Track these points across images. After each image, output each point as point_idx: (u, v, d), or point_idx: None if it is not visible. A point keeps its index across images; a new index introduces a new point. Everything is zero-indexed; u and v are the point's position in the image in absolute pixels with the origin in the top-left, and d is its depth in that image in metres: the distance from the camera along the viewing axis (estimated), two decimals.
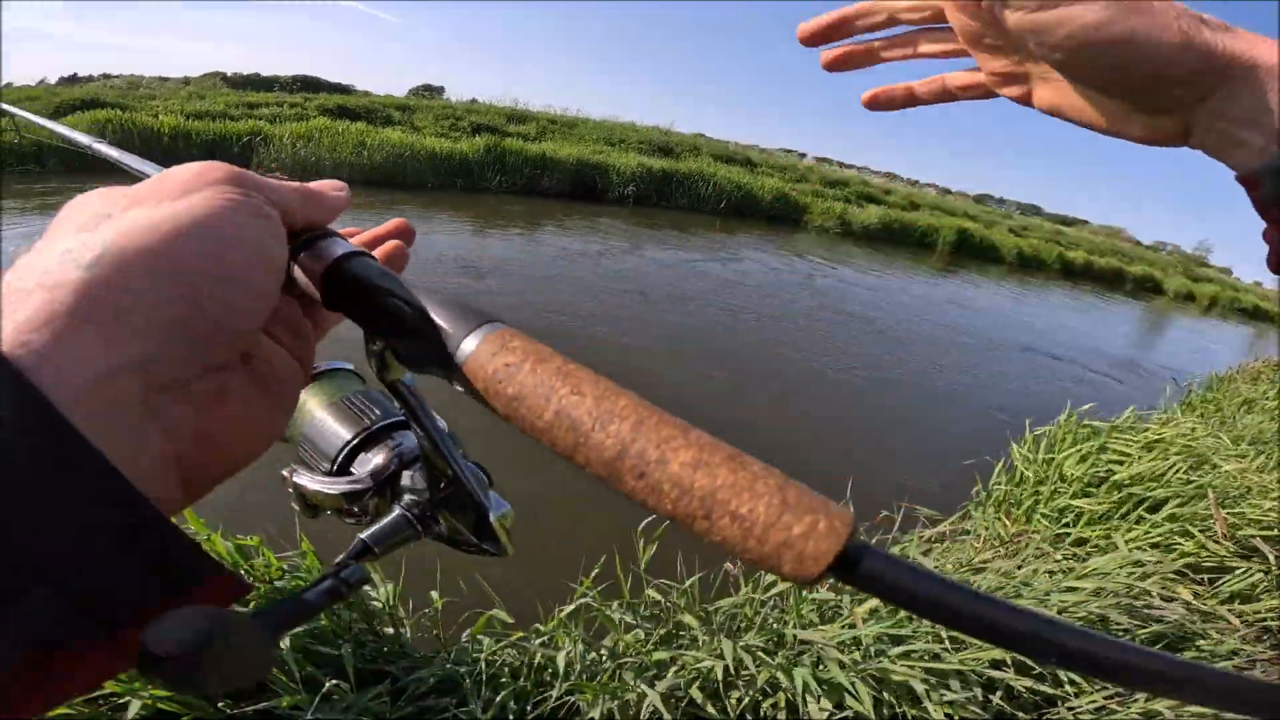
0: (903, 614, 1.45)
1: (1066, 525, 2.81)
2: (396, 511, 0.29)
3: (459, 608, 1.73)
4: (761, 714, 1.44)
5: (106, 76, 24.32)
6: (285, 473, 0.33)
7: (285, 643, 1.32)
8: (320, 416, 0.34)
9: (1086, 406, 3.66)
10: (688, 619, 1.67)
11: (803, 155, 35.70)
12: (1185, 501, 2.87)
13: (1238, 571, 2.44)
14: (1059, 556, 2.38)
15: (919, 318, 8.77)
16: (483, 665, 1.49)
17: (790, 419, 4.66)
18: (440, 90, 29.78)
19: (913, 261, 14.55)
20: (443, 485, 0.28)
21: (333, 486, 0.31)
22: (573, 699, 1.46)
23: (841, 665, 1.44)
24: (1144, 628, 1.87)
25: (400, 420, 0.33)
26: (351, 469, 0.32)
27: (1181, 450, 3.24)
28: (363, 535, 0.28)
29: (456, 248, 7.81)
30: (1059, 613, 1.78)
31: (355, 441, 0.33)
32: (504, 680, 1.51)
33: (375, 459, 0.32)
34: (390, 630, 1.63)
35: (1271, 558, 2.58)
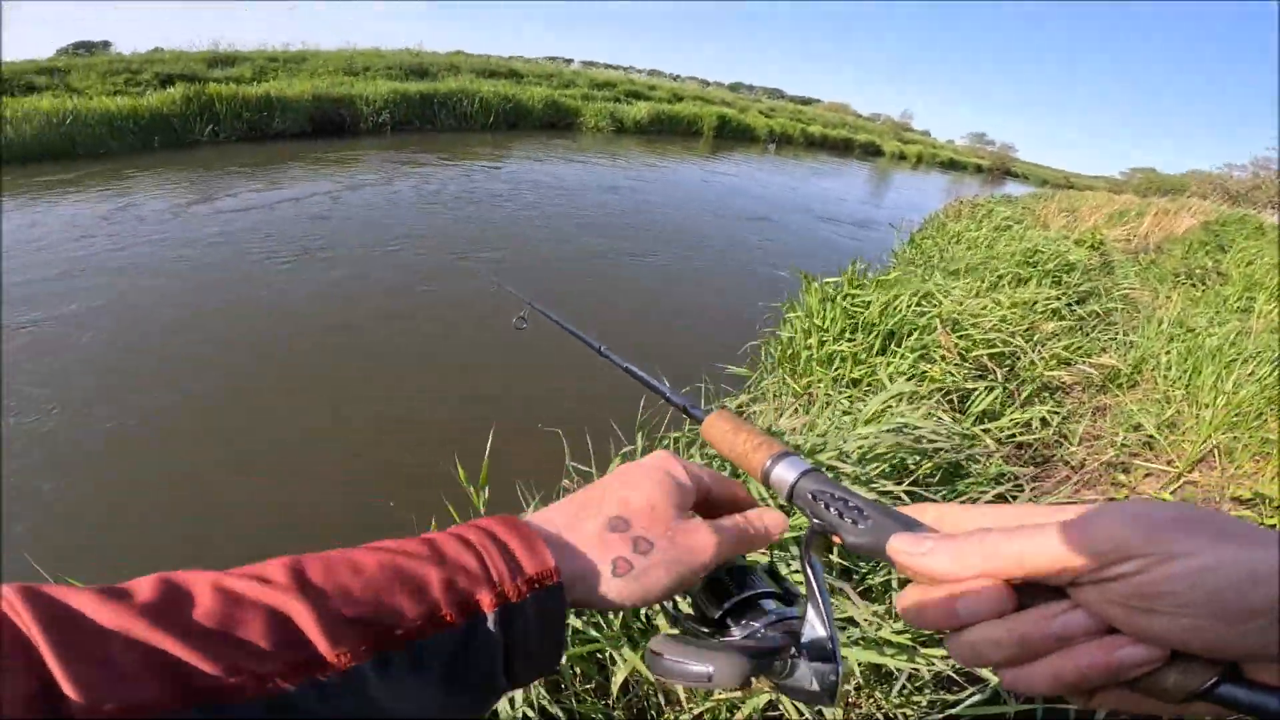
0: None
1: (839, 370, 3.07)
2: (777, 638, 0.36)
3: None
4: None
5: None
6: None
7: None
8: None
9: (856, 263, 3.92)
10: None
11: (568, 61, 34.85)
12: (920, 331, 3.21)
13: (977, 392, 2.80)
14: (844, 400, 2.65)
15: (698, 199, 9.40)
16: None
17: (598, 311, 4.79)
18: (104, 45, 23.23)
19: (684, 149, 15.37)
20: (803, 642, 0.36)
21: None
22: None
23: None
24: (931, 459, 2.12)
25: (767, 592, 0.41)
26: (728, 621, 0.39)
27: (910, 288, 3.63)
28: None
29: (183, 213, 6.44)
30: (863, 459, 1.97)
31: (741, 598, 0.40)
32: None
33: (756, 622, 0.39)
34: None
35: (999, 375, 3.04)
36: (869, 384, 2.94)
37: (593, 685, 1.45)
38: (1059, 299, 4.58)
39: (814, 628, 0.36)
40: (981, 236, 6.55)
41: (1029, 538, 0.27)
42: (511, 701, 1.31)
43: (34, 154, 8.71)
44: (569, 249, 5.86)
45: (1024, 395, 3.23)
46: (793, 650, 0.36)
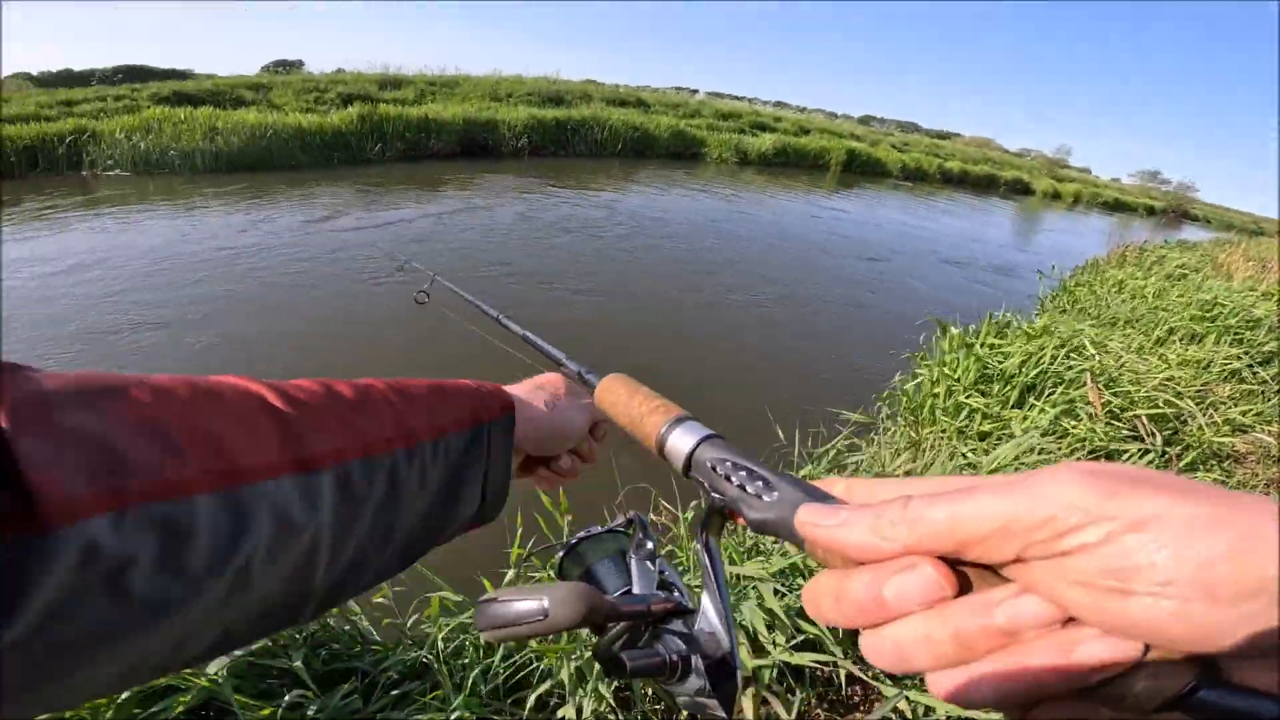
0: None
1: (966, 421, 2.88)
2: (660, 653, 0.34)
3: (407, 595, 1.70)
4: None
5: None
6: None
7: (219, 672, 1.27)
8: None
9: (989, 312, 3.79)
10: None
11: (694, 91, 35.50)
12: (1067, 385, 2.95)
13: (1128, 455, 2.54)
14: (966, 451, 2.49)
15: (813, 235, 9.13)
16: (440, 645, 1.49)
17: (723, 352, 4.77)
18: (299, 64, 27.02)
19: (809, 183, 15.04)
20: (698, 639, 0.34)
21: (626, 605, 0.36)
22: (539, 664, 1.49)
23: (779, 594, 1.47)
24: None
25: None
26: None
27: (1059, 338, 3.38)
28: (625, 656, 0.33)
29: (363, 222, 7.25)
30: None
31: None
32: (468, 658, 1.52)
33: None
34: (348, 627, 1.59)
35: (1159, 439, 2.70)
36: (999, 437, 2.74)
37: (661, 706, 1.48)
38: (1239, 359, 4.01)
39: (709, 618, 0.32)
40: (1149, 286, 5.88)
41: (962, 500, 0.21)
42: (579, 711, 1.36)
43: (240, 164, 10.22)
44: (666, 282, 5.84)
45: (1184, 462, 2.86)
46: (682, 648, 0.32)
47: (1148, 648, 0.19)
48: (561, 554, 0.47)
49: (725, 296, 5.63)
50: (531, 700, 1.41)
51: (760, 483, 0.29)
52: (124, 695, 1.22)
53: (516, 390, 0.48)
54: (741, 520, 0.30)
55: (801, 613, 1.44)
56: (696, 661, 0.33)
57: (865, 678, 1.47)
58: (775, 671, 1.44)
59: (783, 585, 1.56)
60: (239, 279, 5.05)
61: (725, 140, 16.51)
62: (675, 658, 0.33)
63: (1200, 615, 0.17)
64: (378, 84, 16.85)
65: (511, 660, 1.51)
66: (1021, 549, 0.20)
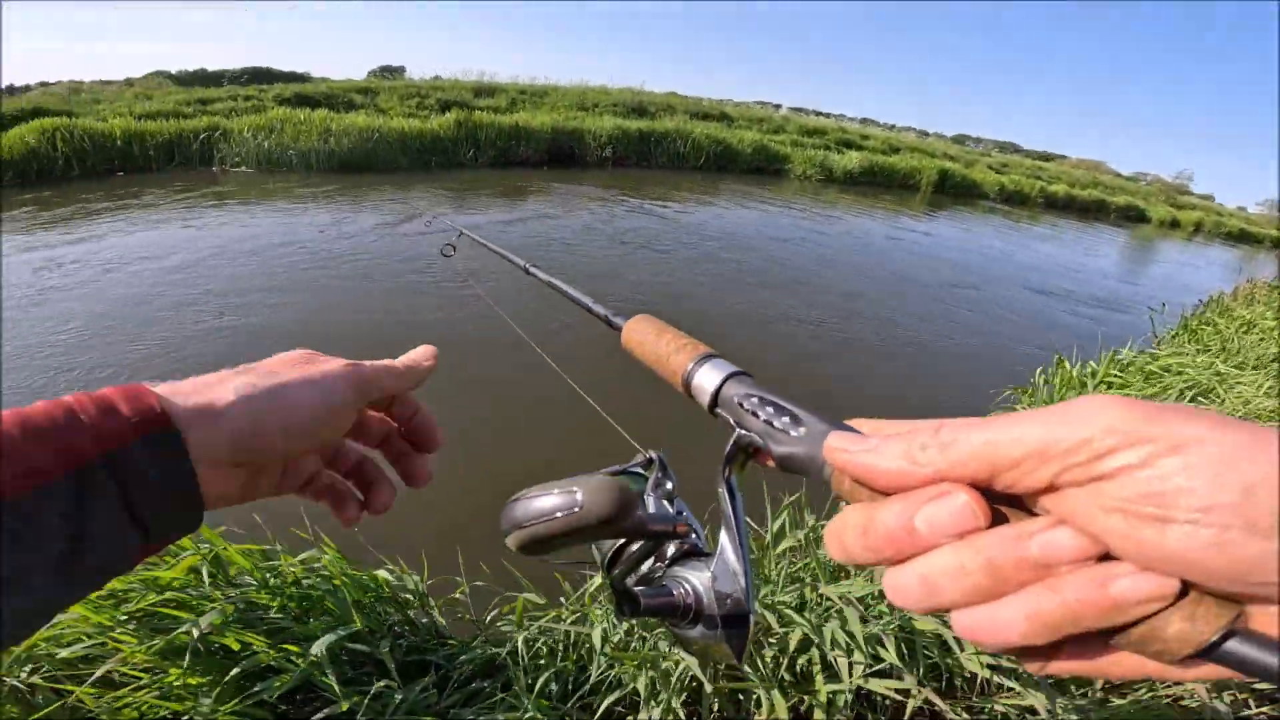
0: None
1: None
2: (675, 593, 0.33)
3: (486, 593, 1.71)
4: (797, 670, 1.45)
5: (44, 84, 23.19)
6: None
7: (321, 650, 1.30)
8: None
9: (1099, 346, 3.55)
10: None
11: (777, 106, 34.99)
12: None
13: None
14: None
15: (894, 258, 8.70)
16: (521, 646, 1.48)
17: (811, 372, 4.60)
18: (401, 70, 28.74)
19: (897, 203, 14.44)
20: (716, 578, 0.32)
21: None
22: (613, 673, 1.45)
23: (864, 620, 1.43)
24: None
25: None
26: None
27: (1184, 378, 3.13)
28: (640, 593, 0.33)
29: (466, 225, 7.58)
30: None
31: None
32: (544, 660, 1.51)
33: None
34: (425, 620, 1.61)
35: None
36: None
37: None
38: None
39: (727, 556, 0.31)
40: None
41: (997, 425, 0.21)
42: None
43: (350, 165, 10.93)
44: (725, 300, 5.64)
45: None
46: (698, 589, 0.32)
47: (1185, 588, 0.18)
48: None
49: (789, 321, 5.40)
50: (602, 708, 1.39)
51: (788, 418, 0.29)
52: (228, 675, 1.25)
53: (192, 383, 0.34)
54: (768, 461, 0.30)
55: (880, 640, 1.38)
56: (711, 604, 0.32)
57: (941, 705, 1.37)
58: (850, 697, 1.38)
59: (867, 612, 1.49)
60: (320, 272, 5.36)
61: (810, 157, 16.14)
62: (690, 600, 0.32)
63: (1239, 546, 0.17)
64: (473, 91, 17.65)
65: (584, 669, 1.49)
66: (1057, 474, 0.19)
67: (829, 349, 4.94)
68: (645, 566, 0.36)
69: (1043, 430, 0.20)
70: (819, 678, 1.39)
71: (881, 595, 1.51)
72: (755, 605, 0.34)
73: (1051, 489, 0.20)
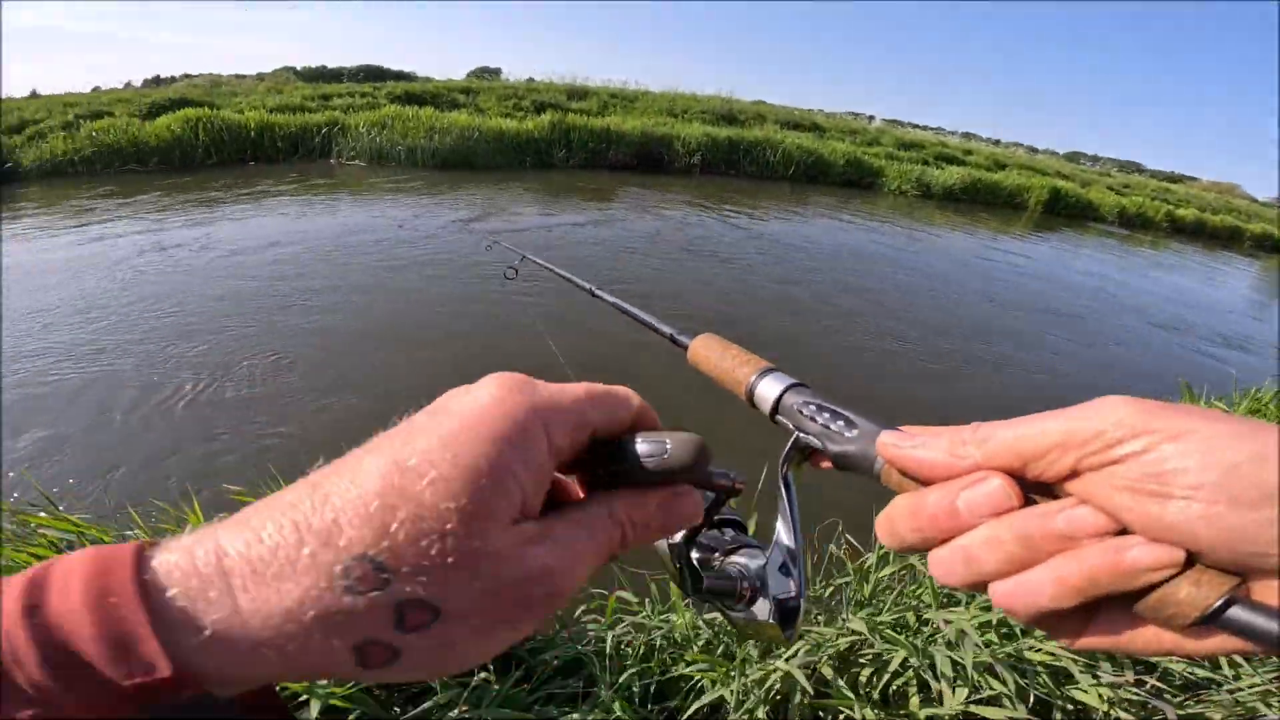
0: None
1: None
2: (738, 566, 0.36)
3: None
4: (890, 692, 1.44)
5: (188, 76, 25.89)
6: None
7: None
8: None
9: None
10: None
11: (870, 118, 33.65)
12: None
13: None
14: None
15: (1009, 281, 8.09)
16: (608, 645, 1.48)
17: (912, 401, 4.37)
18: (497, 71, 30.04)
19: (1001, 223, 13.50)
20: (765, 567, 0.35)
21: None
22: (698, 677, 1.44)
23: (975, 646, 1.41)
24: None
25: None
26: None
27: None
28: (704, 575, 0.36)
29: (544, 224, 7.81)
30: None
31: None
32: (628, 660, 1.50)
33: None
34: None
35: None
36: None
37: None
38: None
39: (783, 545, 0.34)
40: None
41: (1025, 423, 0.25)
42: None
43: (451, 161, 11.49)
44: (790, 316, 5.38)
45: None
46: (754, 576, 0.35)
47: (1190, 560, 0.21)
48: None
49: (857, 338, 5.12)
50: (685, 716, 1.36)
51: (842, 422, 0.32)
52: None
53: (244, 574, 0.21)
54: (823, 463, 0.34)
55: (990, 668, 1.36)
56: (766, 589, 0.34)
57: None
58: None
59: (980, 640, 1.43)
60: (404, 268, 5.62)
61: (906, 171, 15.38)
62: (746, 584, 0.35)
63: (1225, 518, 0.20)
64: (566, 94, 18.10)
65: (667, 671, 1.48)
66: (1077, 461, 0.23)
67: (902, 370, 4.69)
68: (706, 547, 0.39)
69: (1064, 424, 0.23)
70: (914, 699, 1.38)
71: (990, 625, 1.51)
72: (806, 590, 0.36)
73: (1073, 475, 0.23)
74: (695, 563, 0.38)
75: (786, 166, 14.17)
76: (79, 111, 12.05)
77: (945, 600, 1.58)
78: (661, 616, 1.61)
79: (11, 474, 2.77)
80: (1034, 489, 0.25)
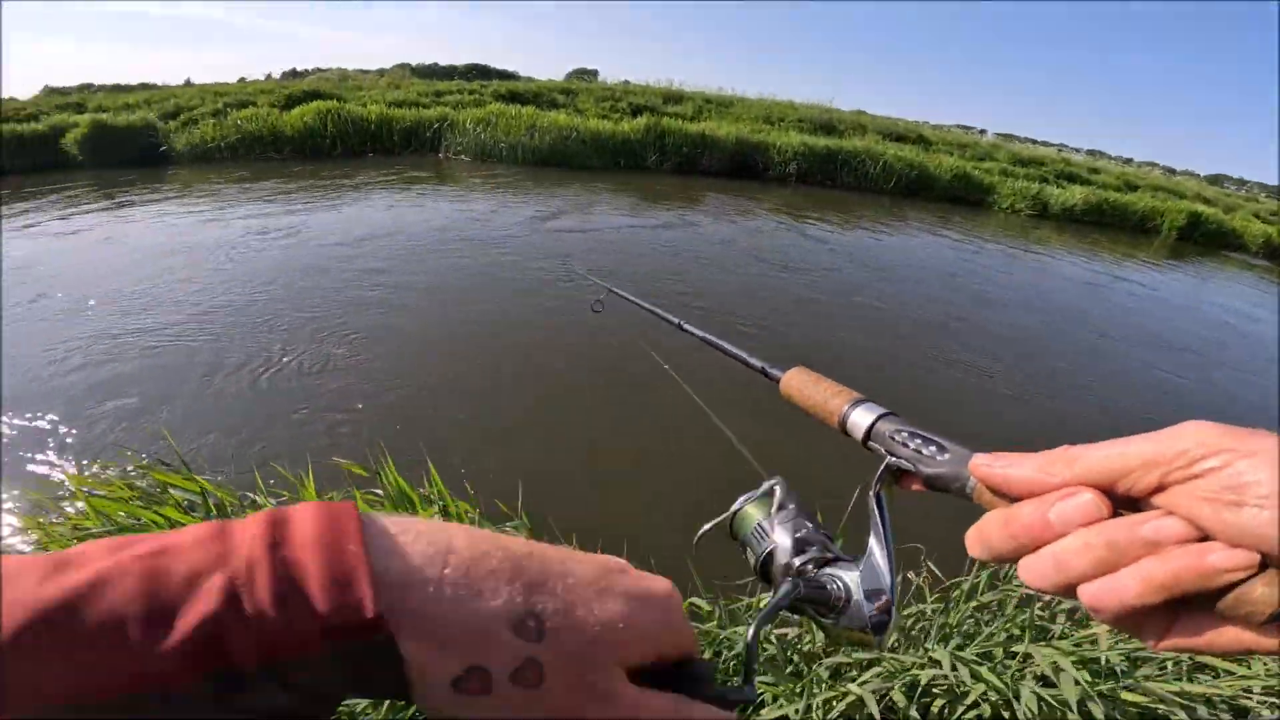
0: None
1: None
2: (831, 578, 0.39)
3: None
4: None
5: (320, 70, 28.26)
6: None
7: None
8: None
9: None
10: None
11: (982, 131, 31.48)
12: None
13: None
14: None
15: (1124, 311, 7.27)
16: None
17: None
18: (595, 73, 30.75)
19: (1128, 248, 12.24)
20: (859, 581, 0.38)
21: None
22: (762, 690, 1.43)
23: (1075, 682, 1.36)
24: None
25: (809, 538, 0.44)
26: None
27: None
28: (800, 583, 0.38)
29: (631, 225, 7.89)
30: None
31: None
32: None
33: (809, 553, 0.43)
34: None
35: None
36: None
37: None
38: None
39: (875, 559, 0.37)
40: None
41: (1114, 445, 0.27)
42: None
43: (549, 160, 11.86)
44: (864, 339, 4.99)
45: None
46: (848, 586, 0.37)
47: (1264, 564, 0.23)
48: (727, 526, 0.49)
49: (932, 363, 4.72)
50: None
51: (934, 447, 0.35)
52: None
53: (446, 571, 0.26)
54: (914, 486, 0.36)
55: (1083, 706, 1.31)
56: (859, 599, 0.37)
57: None
58: None
59: (1077, 671, 1.37)
60: (491, 263, 5.78)
61: (1021, 189, 14.26)
62: (840, 594, 0.37)
63: None
64: (662, 97, 18.22)
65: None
66: (1163, 476, 0.25)
67: (986, 399, 4.31)
68: (796, 562, 0.41)
69: (1151, 445, 0.26)
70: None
71: (1084, 663, 1.46)
72: (897, 600, 0.37)
73: (1158, 490, 0.25)
74: (796, 570, 0.41)
75: (887, 179, 13.53)
76: (228, 100, 13.46)
77: (1037, 635, 1.54)
78: (732, 630, 1.59)
79: (150, 443, 3.11)
80: (1120, 504, 0.27)
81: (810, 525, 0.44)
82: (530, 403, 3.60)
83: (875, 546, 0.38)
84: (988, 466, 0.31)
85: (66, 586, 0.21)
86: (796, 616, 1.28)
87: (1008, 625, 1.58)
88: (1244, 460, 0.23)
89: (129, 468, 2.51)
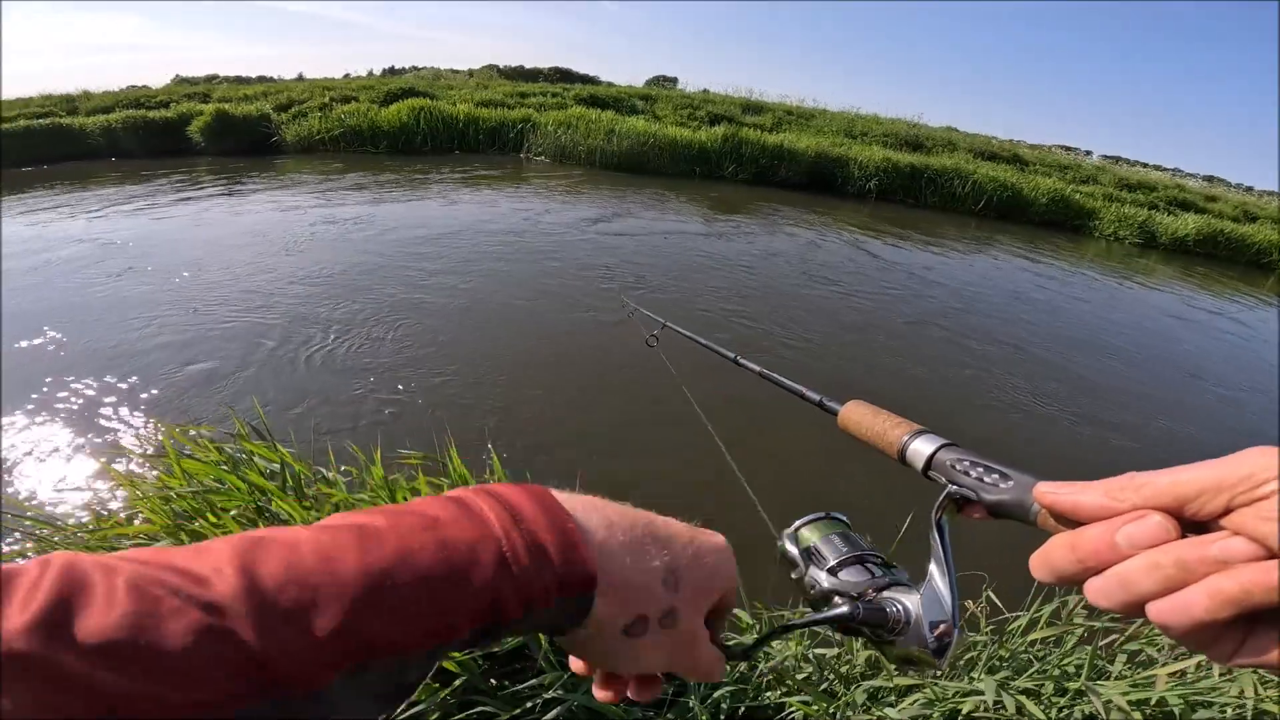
0: (1215, 674, 1.39)
1: None
2: (890, 600, 0.40)
3: None
4: None
5: (415, 68, 29.84)
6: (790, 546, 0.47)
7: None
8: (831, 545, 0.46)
9: None
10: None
11: (1087, 153, 29.32)
12: None
13: None
14: None
15: (1220, 348, 6.54)
16: None
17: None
18: (674, 80, 30.89)
19: (1240, 282, 11.08)
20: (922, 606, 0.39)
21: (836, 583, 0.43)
22: (794, 707, 1.42)
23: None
24: None
25: (862, 556, 0.45)
26: (840, 575, 0.44)
27: None
28: (860, 606, 0.39)
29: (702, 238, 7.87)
30: None
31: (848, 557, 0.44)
32: (725, 677, 1.47)
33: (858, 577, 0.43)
34: None
35: None
36: None
37: None
38: None
39: (935, 584, 0.38)
40: None
41: (1180, 471, 0.27)
42: None
43: (625, 165, 12.01)
44: (924, 371, 4.68)
45: None
46: (908, 608, 0.38)
47: None
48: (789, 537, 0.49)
49: (992, 406, 4.35)
50: None
51: (997, 475, 0.36)
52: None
53: (623, 539, 0.33)
54: (975, 514, 0.37)
55: None
56: (919, 621, 0.38)
57: None
58: None
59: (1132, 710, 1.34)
60: (543, 268, 5.86)
61: (1127, 216, 13.21)
62: (901, 616, 0.38)
63: None
64: (741, 107, 18.09)
65: (763, 700, 1.47)
66: (1230, 499, 0.26)
67: (1053, 432, 3.96)
68: (852, 576, 0.43)
69: (1217, 470, 0.26)
70: None
71: (1142, 704, 1.42)
72: (960, 621, 0.37)
73: (1225, 513, 0.26)
74: (857, 594, 0.43)
75: (975, 200, 12.84)
76: (333, 95, 14.45)
77: (1094, 675, 1.48)
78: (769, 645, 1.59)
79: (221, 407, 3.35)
80: (1187, 528, 0.27)
81: (865, 549, 0.45)
82: (593, 418, 3.60)
83: (936, 572, 0.39)
84: (1054, 494, 0.31)
85: (386, 555, 0.27)
86: (840, 636, 1.31)
87: (1063, 662, 1.55)
88: None
89: (207, 432, 2.73)
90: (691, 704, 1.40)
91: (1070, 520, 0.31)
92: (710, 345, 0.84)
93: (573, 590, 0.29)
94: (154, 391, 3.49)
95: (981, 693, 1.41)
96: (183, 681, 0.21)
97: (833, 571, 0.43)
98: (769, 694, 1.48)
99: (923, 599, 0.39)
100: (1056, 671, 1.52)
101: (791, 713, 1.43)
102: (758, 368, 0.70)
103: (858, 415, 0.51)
